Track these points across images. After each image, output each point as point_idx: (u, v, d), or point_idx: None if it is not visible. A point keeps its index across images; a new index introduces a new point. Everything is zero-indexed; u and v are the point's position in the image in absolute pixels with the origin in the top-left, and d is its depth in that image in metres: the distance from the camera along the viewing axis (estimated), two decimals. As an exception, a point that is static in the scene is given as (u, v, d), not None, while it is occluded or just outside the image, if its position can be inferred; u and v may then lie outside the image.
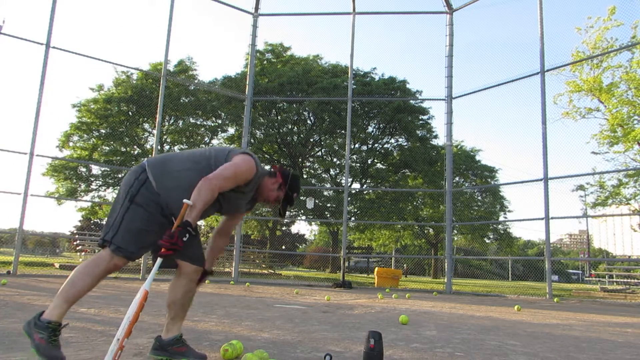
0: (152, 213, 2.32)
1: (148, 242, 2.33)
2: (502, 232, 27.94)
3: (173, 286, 2.46)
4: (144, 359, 2.42)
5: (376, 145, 25.58)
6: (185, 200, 2.20)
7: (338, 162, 25.33)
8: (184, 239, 2.11)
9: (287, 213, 24.62)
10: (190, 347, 2.42)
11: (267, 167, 2.70)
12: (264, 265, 22.37)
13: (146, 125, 22.42)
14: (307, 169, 26.78)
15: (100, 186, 22.28)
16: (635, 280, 17.84)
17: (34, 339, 2.10)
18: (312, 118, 25.18)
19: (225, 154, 2.47)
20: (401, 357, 2.85)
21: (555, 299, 10.02)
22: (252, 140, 23.05)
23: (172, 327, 2.44)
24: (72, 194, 20.85)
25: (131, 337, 3.01)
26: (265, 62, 25.05)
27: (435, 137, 25.18)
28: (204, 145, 24.31)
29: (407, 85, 23.98)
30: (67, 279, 2.23)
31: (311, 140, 25.60)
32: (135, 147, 22.56)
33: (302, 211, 23.54)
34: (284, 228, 38.78)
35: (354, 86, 20.70)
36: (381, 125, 24.87)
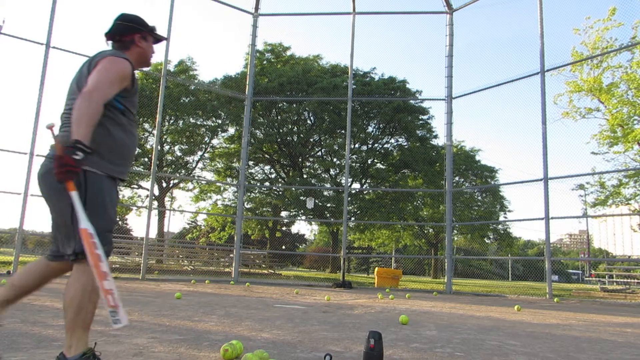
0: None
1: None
2: (502, 232, 27.94)
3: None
4: (144, 359, 2.42)
5: (376, 145, 25.58)
6: (47, 124, 1.99)
7: (338, 162, 25.33)
8: (76, 156, 1.84)
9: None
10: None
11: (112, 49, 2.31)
12: (264, 265, 22.36)
13: (146, 125, 22.42)
14: (307, 169, 26.78)
15: (100, 186, 22.26)
16: (636, 280, 17.84)
17: None
18: (312, 118, 25.18)
19: (88, 64, 2.15)
20: (401, 357, 2.85)
21: (555, 299, 10.02)
22: (252, 140, 23.04)
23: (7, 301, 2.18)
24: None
25: (131, 337, 3.02)
26: (265, 62, 25.05)
27: (435, 137, 25.21)
28: (204, 145, 24.33)
29: (407, 85, 24.00)
30: (72, 307, 1.97)
31: (311, 140, 25.61)
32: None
33: (302, 211, 23.55)
34: (284, 228, 38.79)
35: (354, 86, 20.71)
36: (381, 125, 24.87)
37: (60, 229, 2.05)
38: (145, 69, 2.39)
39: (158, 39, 2.42)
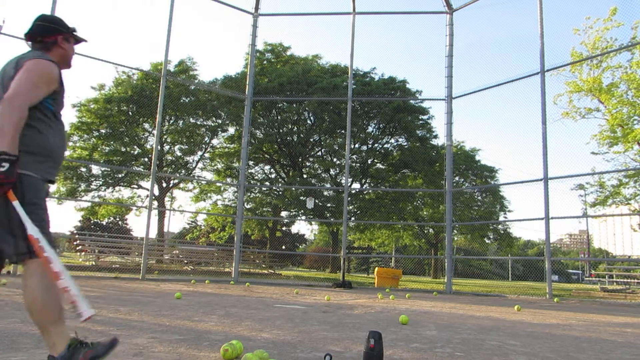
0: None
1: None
2: (502, 232, 27.94)
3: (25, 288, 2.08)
4: (144, 359, 2.42)
5: (376, 145, 25.58)
6: None
7: (338, 162, 25.33)
8: (2, 169, 1.84)
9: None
10: (93, 344, 2.05)
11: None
12: (264, 265, 22.36)
13: (146, 125, 22.43)
14: (307, 169, 26.78)
15: (100, 186, 22.29)
16: (636, 280, 17.84)
17: None
18: (312, 118, 25.18)
19: (13, 66, 2.10)
20: (401, 357, 2.85)
21: (555, 299, 10.02)
22: (252, 140, 23.04)
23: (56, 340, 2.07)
24: (72, 194, 20.85)
25: (131, 337, 3.02)
26: (265, 62, 25.05)
27: (435, 137, 25.20)
28: (204, 145, 24.33)
29: (407, 85, 23.99)
30: (36, 308, 1.94)
31: (311, 140, 25.60)
32: (135, 147, 22.57)
33: (302, 211, 23.55)
34: (284, 228, 38.82)
35: (354, 86, 20.71)
36: (381, 125, 24.87)
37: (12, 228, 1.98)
38: (65, 69, 2.33)
39: (79, 40, 2.40)
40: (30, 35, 2.24)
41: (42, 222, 2.01)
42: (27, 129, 2.02)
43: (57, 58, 2.24)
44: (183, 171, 24.09)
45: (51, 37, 2.25)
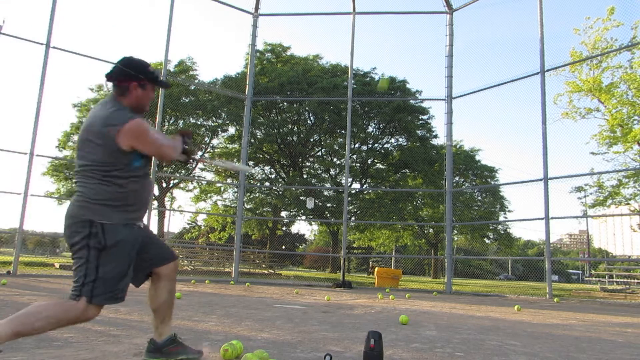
0: (123, 252, 2.16)
1: (127, 276, 2.19)
2: (502, 232, 27.95)
3: (154, 292, 2.41)
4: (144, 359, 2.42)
5: (376, 145, 25.59)
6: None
7: (338, 162, 25.33)
8: (186, 146, 2.40)
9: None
10: (185, 345, 2.43)
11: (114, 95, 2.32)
12: (264, 265, 22.37)
13: (146, 125, 22.40)
14: (307, 169, 26.78)
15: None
16: (636, 280, 17.84)
17: None
18: (312, 118, 25.18)
19: (100, 123, 2.13)
20: (401, 357, 2.85)
21: (555, 299, 10.02)
22: (252, 140, 23.05)
23: (164, 329, 2.41)
24: (72, 194, 20.82)
25: (131, 337, 3.02)
26: (265, 62, 25.05)
27: (435, 137, 25.21)
28: (204, 145, 24.33)
29: (407, 85, 24.01)
30: (28, 311, 2.01)
31: (311, 140, 25.61)
32: (135, 147, 22.55)
33: (302, 211, 23.55)
34: (284, 228, 38.82)
35: (354, 86, 20.72)
36: (381, 125, 24.87)
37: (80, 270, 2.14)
38: (140, 113, 2.36)
39: (158, 85, 2.42)
40: (109, 76, 2.28)
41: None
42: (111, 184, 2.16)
43: (130, 102, 2.28)
44: (183, 171, 24.08)
45: (125, 82, 2.26)
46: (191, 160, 2.46)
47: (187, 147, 2.41)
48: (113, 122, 2.10)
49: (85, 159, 2.12)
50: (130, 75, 2.25)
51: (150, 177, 2.44)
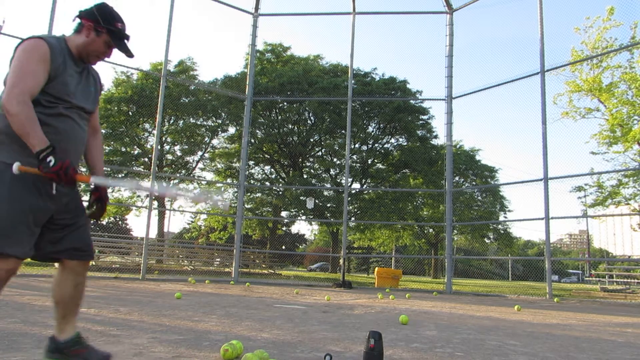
0: (7, 197, 1.88)
1: (25, 224, 1.91)
2: (502, 232, 27.95)
3: (58, 282, 2.16)
4: (144, 359, 2.42)
5: (376, 145, 25.59)
6: (13, 170, 1.83)
7: (338, 162, 25.34)
8: (51, 164, 1.82)
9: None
10: (90, 347, 2.20)
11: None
12: (264, 265, 22.37)
13: (146, 125, 22.44)
14: (307, 169, 26.78)
15: (100, 186, 22.29)
16: (636, 280, 17.83)
17: None
18: (312, 118, 25.18)
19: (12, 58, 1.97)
20: (401, 357, 2.85)
21: (555, 299, 10.02)
22: (252, 140, 23.05)
23: (67, 326, 2.18)
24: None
25: (131, 337, 3.02)
26: (265, 62, 25.06)
27: (435, 137, 25.22)
28: (204, 145, 24.32)
29: (407, 85, 24.01)
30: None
31: (311, 140, 25.61)
32: (135, 147, 22.58)
33: (302, 211, 23.56)
34: (284, 228, 38.84)
35: (354, 86, 20.73)
36: (381, 125, 24.87)
37: None
38: (83, 60, 2.13)
39: (112, 43, 2.14)
40: (79, 13, 2.12)
41: None
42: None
43: (77, 42, 2.09)
44: (183, 171, 24.09)
45: (85, 19, 2.09)
46: (60, 182, 1.88)
47: (49, 161, 1.84)
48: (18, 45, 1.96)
49: None
50: (92, 15, 2.09)
51: (74, 121, 2.07)
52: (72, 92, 2.05)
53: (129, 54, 2.17)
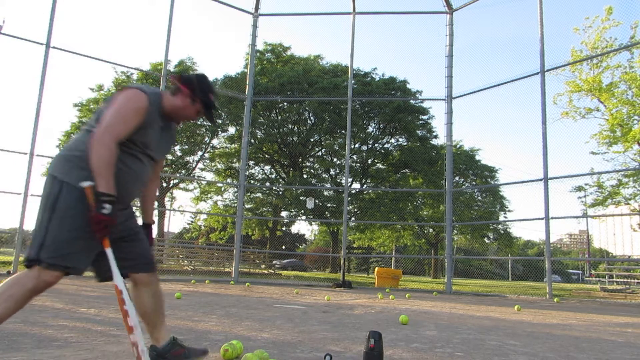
0: (76, 217, 1.98)
1: (81, 249, 2.01)
2: (502, 232, 27.96)
3: (135, 298, 2.25)
4: (144, 358, 2.41)
5: (376, 145, 25.59)
6: (82, 184, 1.94)
7: (338, 162, 25.35)
8: (105, 211, 1.90)
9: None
10: (187, 347, 2.36)
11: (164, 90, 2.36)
12: (264, 265, 22.37)
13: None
14: (307, 169, 26.79)
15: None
16: (636, 280, 17.83)
17: None
18: (312, 118, 25.19)
19: (109, 101, 2.13)
20: (401, 357, 2.85)
21: (555, 299, 10.02)
22: (252, 140, 23.05)
23: (160, 334, 2.30)
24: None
25: (131, 337, 3.01)
26: (265, 62, 25.06)
27: (435, 137, 25.23)
28: (204, 146, 24.33)
29: (407, 85, 24.02)
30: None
31: (311, 140, 25.62)
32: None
33: (302, 211, 23.56)
34: (284, 228, 38.84)
35: (354, 86, 20.74)
36: (381, 125, 24.88)
37: (34, 234, 2.01)
38: (173, 121, 2.35)
39: (205, 114, 2.35)
40: (178, 76, 2.30)
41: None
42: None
43: (173, 103, 2.25)
44: (183, 171, 24.08)
45: (182, 85, 2.26)
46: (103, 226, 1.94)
47: (105, 208, 1.93)
48: (118, 92, 2.15)
49: None
50: (191, 84, 2.26)
51: (144, 167, 2.23)
52: (150, 144, 2.20)
53: (214, 123, 2.48)
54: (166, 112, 2.25)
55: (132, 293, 2.24)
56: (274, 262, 29.74)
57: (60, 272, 1.97)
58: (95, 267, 2.16)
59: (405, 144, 25.38)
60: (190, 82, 2.26)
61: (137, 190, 2.26)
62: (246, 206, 24.14)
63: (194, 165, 24.95)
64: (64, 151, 2.11)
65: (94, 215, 1.91)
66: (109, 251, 2.00)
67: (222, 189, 25.34)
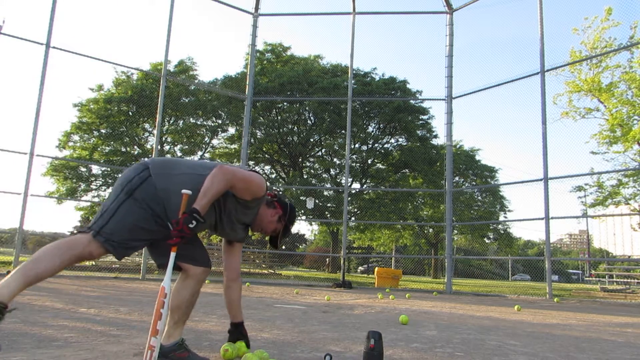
0: (147, 211, 2.16)
1: (138, 239, 2.19)
2: (502, 232, 27.96)
3: (179, 289, 2.36)
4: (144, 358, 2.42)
5: (376, 145, 25.59)
6: (184, 191, 2.13)
7: (338, 162, 25.35)
8: (191, 225, 2.05)
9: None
10: (192, 352, 2.35)
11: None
12: (264, 265, 22.36)
13: (146, 125, 22.43)
14: (307, 169, 26.78)
15: (100, 186, 22.32)
16: (636, 280, 17.84)
17: None
18: (312, 118, 25.19)
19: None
20: (401, 357, 2.85)
21: (555, 299, 10.02)
22: (252, 140, 23.05)
23: (174, 332, 2.35)
24: (72, 194, 20.86)
25: (131, 337, 3.02)
26: (265, 62, 25.06)
27: (435, 137, 25.24)
28: (204, 145, 24.33)
29: (407, 85, 24.03)
30: (32, 256, 2.04)
31: (311, 140, 25.62)
32: (135, 147, 22.58)
33: (302, 211, 23.56)
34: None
35: (354, 86, 20.73)
36: (381, 125, 24.88)
37: (102, 208, 2.20)
38: (254, 228, 2.59)
39: (281, 235, 2.61)
40: (278, 199, 2.63)
41: None
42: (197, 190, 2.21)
43: (264, 212, 2.53)
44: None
45: (279, 205, 2.59)
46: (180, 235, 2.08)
47: (192, 223, 2.10)
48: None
49: None
50: (285, 208, 2.60)
51: (216, 228, 2.48)
52: (235, 218, 2.46)
53: (276, 247, 2.66)
54: (256, 218, 2.53)
55: (178, 284, 2.38)
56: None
57: (106, 251, 2.13)
58: (152, 251, 2.35)
59: (405, 144, 25.39)
60: (285, 206, 2.60)
61: (211, 225, 2.45)
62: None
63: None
64: (168, 163, 2.33)
65: (181, 222, 2.05)
66: (172, 255, 2.13)
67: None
